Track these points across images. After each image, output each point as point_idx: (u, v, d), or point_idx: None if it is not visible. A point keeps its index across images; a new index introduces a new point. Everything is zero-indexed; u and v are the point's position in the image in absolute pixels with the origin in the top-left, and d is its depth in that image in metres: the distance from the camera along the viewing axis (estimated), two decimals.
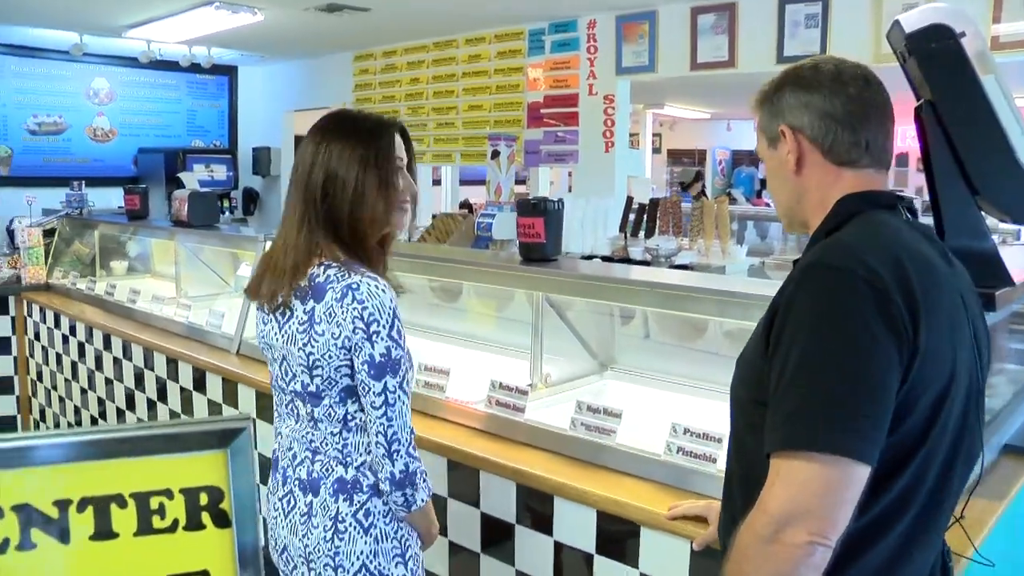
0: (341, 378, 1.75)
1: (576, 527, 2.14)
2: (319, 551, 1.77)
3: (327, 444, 1.79)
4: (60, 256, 5.61)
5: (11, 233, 5.97)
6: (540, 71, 6.38)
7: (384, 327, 1.69)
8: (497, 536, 2.34)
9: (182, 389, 3.66)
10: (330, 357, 1.72)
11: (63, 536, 0.77)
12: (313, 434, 1.80)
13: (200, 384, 3.53)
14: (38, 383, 5.28)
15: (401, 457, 1.74)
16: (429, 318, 3.89)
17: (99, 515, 0.76)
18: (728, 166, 14.41)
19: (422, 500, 1.79)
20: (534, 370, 2.89)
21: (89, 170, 7.43)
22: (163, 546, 0.78)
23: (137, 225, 5.02)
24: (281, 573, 1.89)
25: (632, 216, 5.54)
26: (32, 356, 5.33)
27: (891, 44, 2.18)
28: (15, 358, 5.41)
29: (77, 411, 4.76)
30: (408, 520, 1.84)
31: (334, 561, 1.76)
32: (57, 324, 4.89)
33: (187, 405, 3.63)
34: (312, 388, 1.77)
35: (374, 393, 1.71)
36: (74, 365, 4.73)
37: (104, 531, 0.77)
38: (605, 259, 5.06)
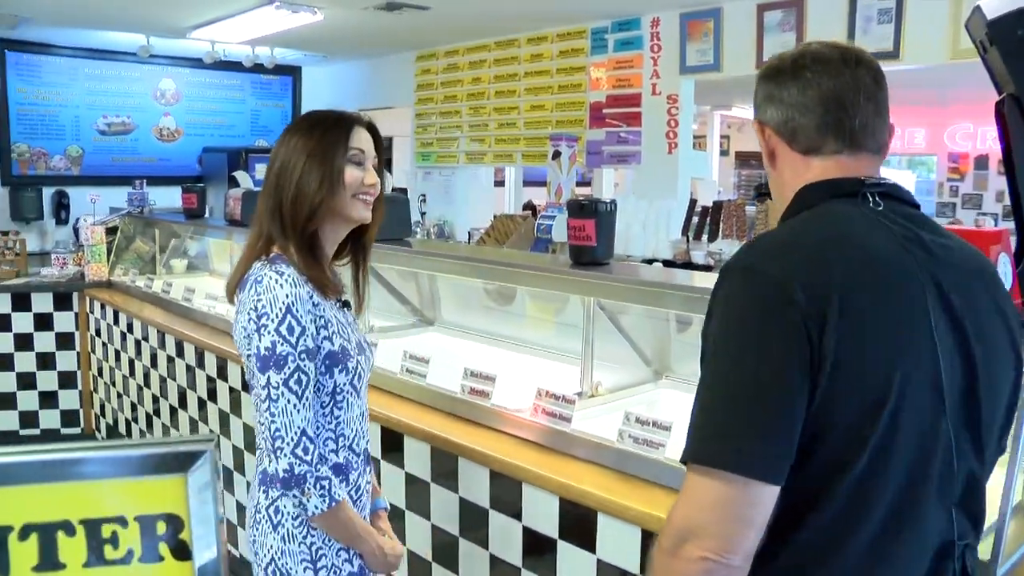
0: None
1: (619, 545, 2.02)
2: (249, 529, 1.83)
3: (260, 434, 1.73)
4: (122, 254, 5.69)
5: (76, 231, 6.08)
6: (603, 70, 6.25)
7: (272, 321, 1.65)
8: (538, 550, 2.24)
9: (231, 389, 3.64)
10: (242, 347, 1.73)
11: (2, 567, 0.69)
12: (258, 421, 1.76)
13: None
14: (99, 379, 5.35)
15: (285, 457, 1.65)
16: (481, 321, 3.80)
17: (44, 543, 0.68)
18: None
19: (316, 508, 1.69)
20: (584, 378, 2.77)
21: (155, 169, 7.56)
22: None
23: (194, 224, 5.05)
24: None
25: (695, 219, 5.39)
26: (94, 352, 5.40)
27: (970, 33, 2.01)
28: (78, 353, 5.49)
29: (134, 407, 4.80)
30: (320, 527, 1.75)
31: (253, 545, 1.81)
32: (116, 321, 4.94)
33: (235, 406, 3.60)
34: (248, 376, 1.77)
35: (260, 386, 1.67)
36: (131, 362, 4.76)
37: (50, 562, 0.69)
38: (666, 263, 4.92)
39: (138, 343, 4.65)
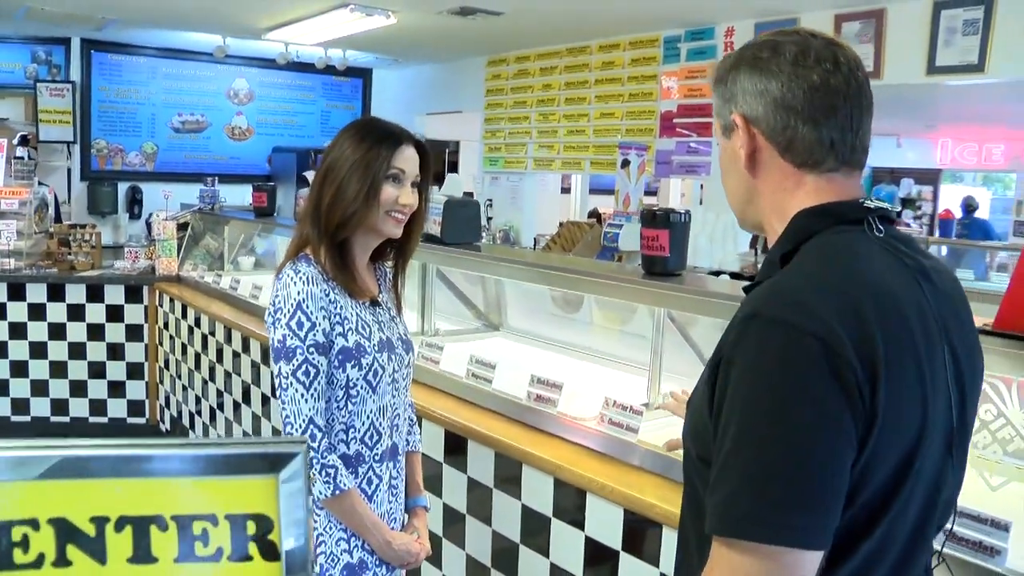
0: None
1: None
2: None
3: None
4: (192, 249, 5.79)
5: (149, 226, 6.21)
6: (674, 79, 6.18)
7: (285, 315, 1.77)
8: (601, 561, 2.20)
9: None
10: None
11: (99, 556, 0.68)
12: None
13: None
14: (165, 371, 5.45)
15: None
16: (547, 328, 3.77)
17: (138, 536, 0.67)
18: (867, 184, 13.74)
19: (320, 493, 1.78)
20: (652, 388, 2.72)
21: (226, 167, 7.69)
22: (205, 575, 0.69)
23: (262, 222, 5.11)
24: None
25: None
26: (161, 344, 5.50)
27: None
28: (146, 346, 5.61)
29: (198, 401, 4.87)
30: (330, 511, 1.85)
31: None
32: (184, 315, 5.02)
33: None
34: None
35: (273, 375, 1.80)
36: (197, 356, 4.84)
37: (143, 554, 0.69)
38: (733, 276, 4.83)
39: (205, 338, 4.72)
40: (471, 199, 3.50)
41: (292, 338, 1.77)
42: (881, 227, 1.11)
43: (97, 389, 5.59)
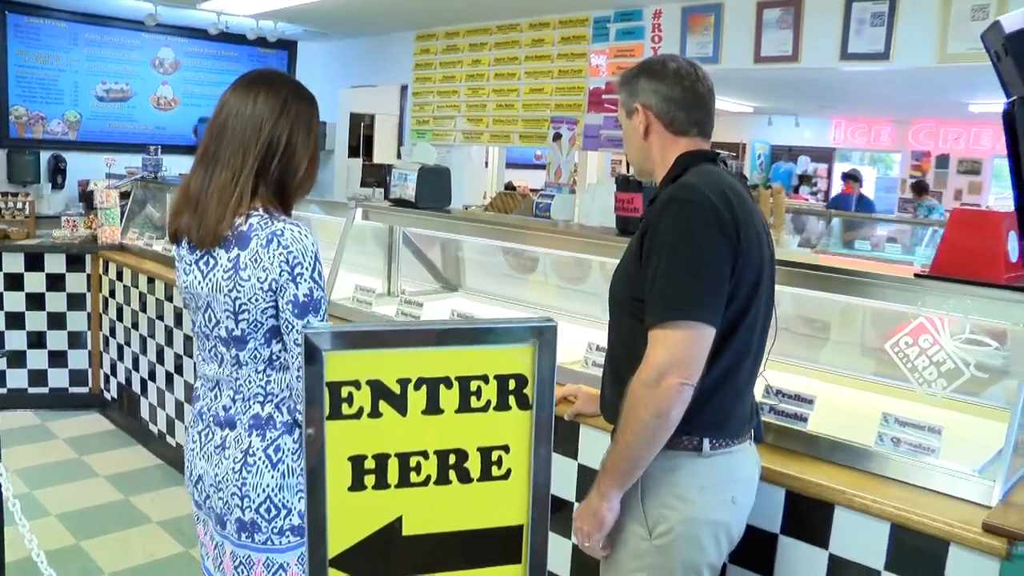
0: (267, 320, 1.83)
1: None
2: (228, 480, 1.87)
3: (250, 383, 1.87)
4: (134, 217, 5.81)
5: (85, 195, 6.17)
6: (603, 58, 6.50)
7: (307, 269, 1.80)
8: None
9: None
10: (256, 300, 1.80)
11: (402, 408, 0.92)
12: (237, 374, 1.88)
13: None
14: (111, 339, 5.48)
15: None
16: (505, 288, 4.05)
17: (430, 393, 0.92)
18: (767, 160, 14.48)
19: None
20: None
21: (151, 137, 7.63)
22: (476, 422, 0.94)
23: None
24: (195, 503, 2.00)
25: None
26: (105, 312, 5.53)
27: (986, 43, 2.29)
28: (88, 314, 5.62)
29: (151, 367, 4.95)
30: None
31: (241, 491, 1.86)
32: (136, 283, 5.08)
33: None
34: (237, 332, 1.85)
35: (297, 331, 1.80)
36: (151, 323, 4.91)
37: (433, 407, 0.93)
38: None
39: (159, 303, 4.80)
40: (443, 167, 3.72)
41: (318, 290, 1.82)
42: (725, 164, 1.93)
43: (37, 359, 5.58)
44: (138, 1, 6.79)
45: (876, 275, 2.26)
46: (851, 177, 10.10)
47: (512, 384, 0.93)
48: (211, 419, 1.93)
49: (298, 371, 1.83)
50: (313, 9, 6.59)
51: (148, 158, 5.79)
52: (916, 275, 2.20)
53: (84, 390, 5.70)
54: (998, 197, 12.35)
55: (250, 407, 1.89)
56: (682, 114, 1.88)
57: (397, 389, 0.90)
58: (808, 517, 2.06)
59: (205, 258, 1.87)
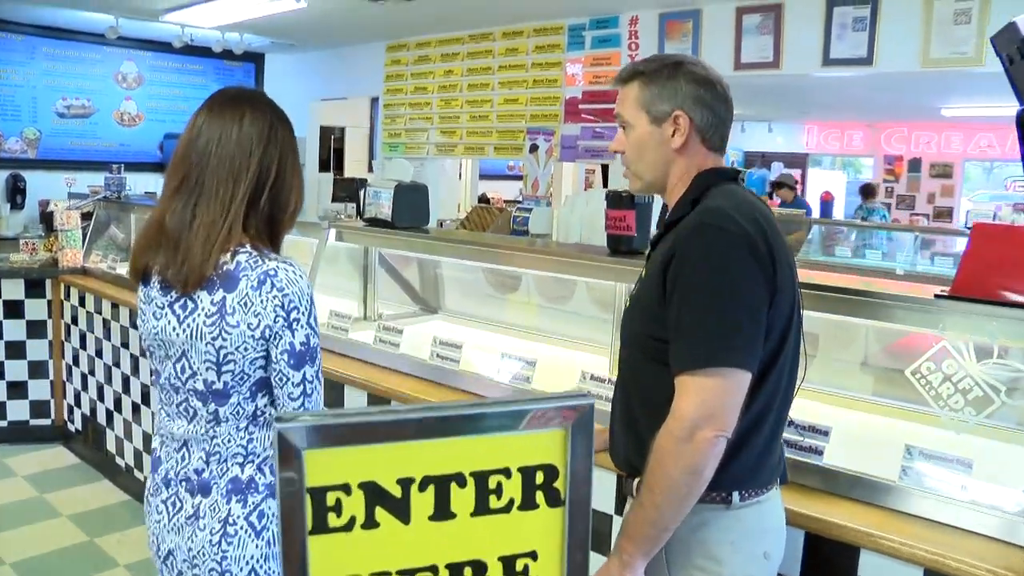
0: (255, 371, 1.65)
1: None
2: (205, 554, 1.67)
3: (228, 442, 1.68)
4: (96, 239, 5.57)
5: (45, 216, 5.92)
6: (579, 66, 6.36)
7: (304, 314, 1.63)
8: None
9: None
10: (245, 350, 1.62)
11: (404, 515, 0.74)
12: (213, 432, 1.67)
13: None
14: (74, 368, 5.24)
15: None
16: (488, 310, 3.88)
17: (439, 494, 0.73)
18: (740, 167, 14.42)
19: None
20: (613, 365, 2.87)
21: (116, 155, 7.38)
22: (497, 526, 0.76)
23: None
24: None
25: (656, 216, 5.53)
26: (68, 340, 5.28)
27: (997, 47, 2.16)
28: (50, 342, 5.37)
29: (118, 397, 4.72)
30: None
31: (221, 565, 1.66)
32: (100, 309, 4.85)
33: None
34: (218, 386, 1.65)
35: (292, 384, 1.63)
36: (116, 351, 4.69)
37: (443, 511, 0.75)
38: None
39: (124, 330, 4.58)
40: (420, 183, 3.55)
41: (314, 336, 1.65)
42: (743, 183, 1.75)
43: None
44: (99, 14, 6.57)
45: (893, 296, 2.11)
46: (779, 185, 9.86)
47: (540, 477, 0.75)
48: (180, 485, 1.71)
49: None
50: (280, 21, 6.40)
51: (111, 177, 5.55)
52: (937, 295, 2.05)
53: (46, 422, 5.43)
54: (970, 199, 12.40)
55: (228, 469, 1.68)
56: (721, 129, 1.68)
57: (397, 492, 0.72)
58: (832, 562, 1.91)
59: (182, 301, 1.65)
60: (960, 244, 7.92)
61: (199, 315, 1.63)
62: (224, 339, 1.61)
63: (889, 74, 5.25)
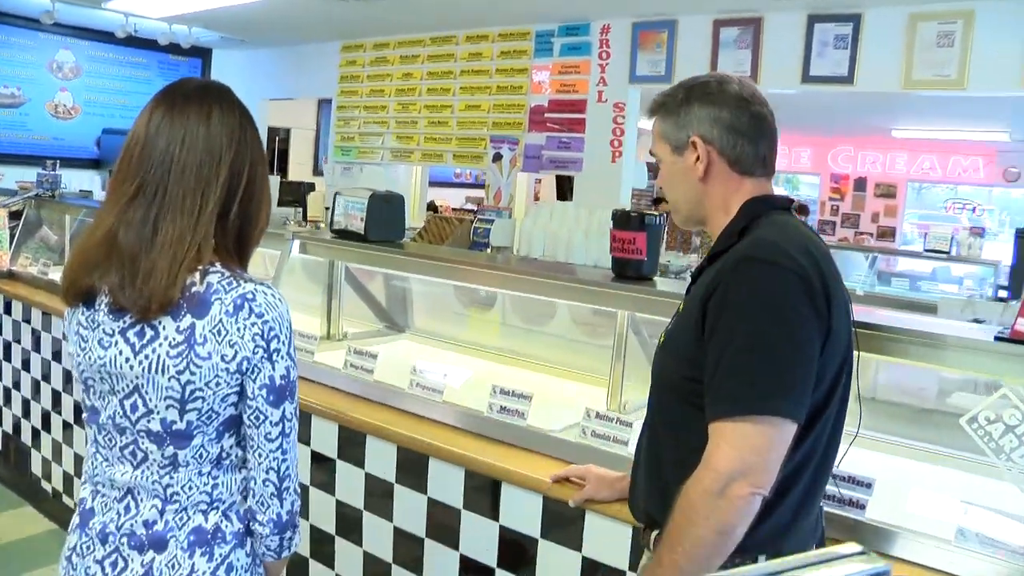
0: (225, 409, 1.44)
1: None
2: None
3: (189, 490, 1.45)
4: (26, 241, 5.14)
5: None
6: (546, 74, 6.14)
7: (284, 344, 1.44)
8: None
9: None
10: (217, 385, 1.41)
11: None
12: (170, 479, 1.45)
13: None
14: None
15: (290, 495, 1.49)
16: (459, 330, 3.62)
17: None
18: None
19: (298, 541, 1.54)
20: (612, 397, 2.64)
21: (48, 149, 6.93)
22: None
23: None
24: None
25: None
26: None
27: None
28: None
29: (46, 414, 4.32)
30: (269, 569, 1.56)
31: None
32: (27, 317, 4.44)
33: None
34: (180, 426, 1.42)
35: (270, 423, 1.44)
36: (46, 365, 4.29)
37: None
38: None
39: (56, 340, 4.20)
40: (396, 193, 3.26)
41: (294, 369, 1.47)
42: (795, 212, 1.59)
43: None
44: None
45: (949, 339, 1.92)
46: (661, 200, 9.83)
47: None
48: (123, 541, 1.44)
49: (267, 472, 1.46)
50: (231, 14, 6.05)
51: (44, 173, 5.14)
52: (997, 337, 1.87)
53: None
54: (912, 221, 12.57)
55: (189, 519, 1.45)
56: (751, 149, 1.51)
57: None
58: None
59: (139, 328, 1.40)
60: (911, 264, 7.95)
61: (161, 345, 1.39)
62: (192, 373, 1.39)
63: (857, 93, 5.14)
